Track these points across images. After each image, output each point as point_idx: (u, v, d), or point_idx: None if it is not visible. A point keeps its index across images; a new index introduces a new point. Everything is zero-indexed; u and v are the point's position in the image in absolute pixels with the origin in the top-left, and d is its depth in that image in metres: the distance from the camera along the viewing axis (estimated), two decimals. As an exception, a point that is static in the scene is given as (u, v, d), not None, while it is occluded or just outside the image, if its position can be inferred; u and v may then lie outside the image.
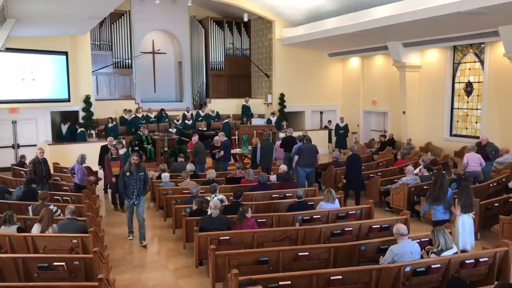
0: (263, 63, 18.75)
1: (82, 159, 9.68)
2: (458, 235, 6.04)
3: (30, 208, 7.24)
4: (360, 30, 13.18)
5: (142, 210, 7.74)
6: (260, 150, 11.68)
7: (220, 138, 12.19)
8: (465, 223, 6.11)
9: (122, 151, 10.47)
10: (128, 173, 7.59)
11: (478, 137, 13.08)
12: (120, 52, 17.60)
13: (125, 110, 16.22)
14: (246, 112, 17.60)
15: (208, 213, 6.67)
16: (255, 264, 5.44)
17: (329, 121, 17.89)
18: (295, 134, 12.70)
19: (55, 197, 8.43)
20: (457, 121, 14.12)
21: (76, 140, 14.15)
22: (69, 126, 14.82)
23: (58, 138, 14.63)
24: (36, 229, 6.16)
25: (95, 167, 11.38)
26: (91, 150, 11.38)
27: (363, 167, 11.03)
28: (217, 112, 17.84)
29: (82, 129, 14.63)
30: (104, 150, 10.76)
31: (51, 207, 7.08)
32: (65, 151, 13.20)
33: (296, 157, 10.71)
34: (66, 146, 13.68)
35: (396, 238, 5.41)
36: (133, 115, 15.75)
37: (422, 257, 5.34)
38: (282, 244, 6.11)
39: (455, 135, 14.12)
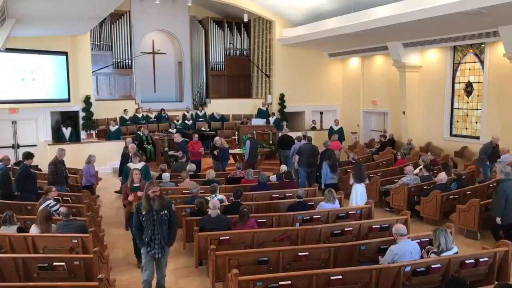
0: (263, 63, 18.74)
1: (88, 159, 9.78)
2: (352, 198, 8.24)
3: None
4: (360, 30, 13.17)
5: (165, 265, 5.50)
6: (249, 148, 11.81)
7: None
8: (357, 190, 8.24)
9: (139, 165, 8.39)
10: (144, 211, 5.16)
11: (478, 137, 13.14)
12: (120, 52, 17.60)
13: (111, 120, 15.51)
14: (264, 116, 17.04)
15: (208, 213, 6.67)
16: (255, 264, 5.45)
17: (314, 121, 17.55)
18: (295, 134, 12.71)
19: (55, 197, 8.40)
20: (457, 121, 14.11)
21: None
22: (71, 128, 14.81)
23: (61, 139, 14.56)
24: (34, 230, 6.15)
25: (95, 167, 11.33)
26: (91, 151, 11.36)
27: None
28: (222, 115, 17.84)
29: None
30: (125, 159, 9.43)
31: (50, 201, 7.07)
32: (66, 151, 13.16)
33: (296, 157, 10.72)
34: (66, 146, 13.61)
35: (395, 238, 5.41)
36: (116, 126, 15.11)
37: (422, 257, 5.34)
38: (282, 244, 6.11)
39: (455, 135, 14.10)
